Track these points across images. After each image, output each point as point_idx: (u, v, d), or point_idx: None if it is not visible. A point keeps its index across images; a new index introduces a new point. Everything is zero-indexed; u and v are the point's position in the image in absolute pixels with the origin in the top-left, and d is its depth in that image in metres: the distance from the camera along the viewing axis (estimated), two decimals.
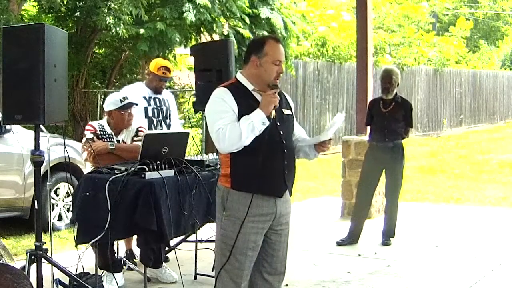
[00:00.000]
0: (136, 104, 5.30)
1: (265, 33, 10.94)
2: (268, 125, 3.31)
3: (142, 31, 10.01)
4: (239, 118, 3.33)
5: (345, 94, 16.97)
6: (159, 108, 5.71)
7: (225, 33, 10.96)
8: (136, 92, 5.60)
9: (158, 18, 10.65)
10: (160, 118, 5.69)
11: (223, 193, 3.46)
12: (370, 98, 8.06)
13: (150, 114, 5.62)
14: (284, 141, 3.44)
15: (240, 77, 3.51)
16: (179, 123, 6.17)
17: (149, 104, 5.65)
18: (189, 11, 10.01)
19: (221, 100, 3.39)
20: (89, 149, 4.97)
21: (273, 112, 3.36)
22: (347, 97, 16.94)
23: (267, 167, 3.38)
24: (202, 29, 11.32)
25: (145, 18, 9.89)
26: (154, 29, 10.05)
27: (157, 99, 5.71)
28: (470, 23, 28.69)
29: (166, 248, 4.88)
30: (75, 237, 4.49)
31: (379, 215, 7.97)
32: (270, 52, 3.42)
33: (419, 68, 20.43)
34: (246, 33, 10.74)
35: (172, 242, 4.82)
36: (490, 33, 36.08)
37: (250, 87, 3.46)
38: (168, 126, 5.75)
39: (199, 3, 10.09)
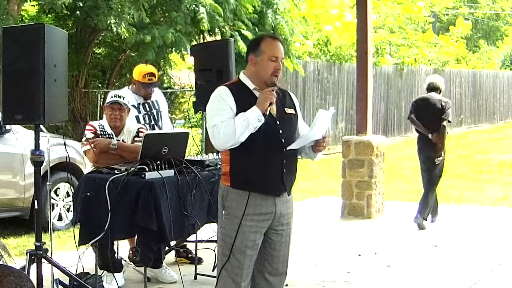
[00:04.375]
0: (127, 106, 5.23)
1: None
2: (263, 122, 3.31)
3: (148, 38, 9.86)
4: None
5: (345, 94, 16.97)
6: (149, 113, 5.65)
7: (229, 35, 10.95)
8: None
9: (162, 19, 10.58)
10: (152, 123, 5.64)
11: (223, 191, 3.48)
12: (370, 98, 8.08)
13: (142, 122, 5.56)
14: (283, 140, 3.44)
15: (242, 76, 3.54)
16: (169, 122, 6.09)
17: (139, 112, 5.59)
18: (205, 18, 9.89)
19: (220, 98, 3.42)
20: (91, 142, 4.96)
21: (274, 110, 3.36)
22: (347, 97, 16.94)
23: (264, 165, 3.39)
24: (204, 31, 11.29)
25: (146, 20, 9.82)
26: (161, 37, 9.89)
27: (146, 104, 5.65)
28: (469, 23, 28.63)
29: (166, 248, 4.88)
30: (78, 238, 4.48)
31: (379, 215, 7.99)
32: (265, 49, 3.44)
33: (419, 68, 20.43)
34: (250, 35, 10.73)
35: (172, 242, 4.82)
36: (490, 33, 36.08)
37: (251, 86, 3.48)
38: (161, 129, 5.70)
39: (212, 9, 10.01)
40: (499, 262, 5.91)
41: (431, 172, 7.41)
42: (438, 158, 7.32)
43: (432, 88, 7.55)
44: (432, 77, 7.84)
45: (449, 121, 7.39)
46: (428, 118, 7.34)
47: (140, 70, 5.61)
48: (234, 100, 3.39)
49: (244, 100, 3.39)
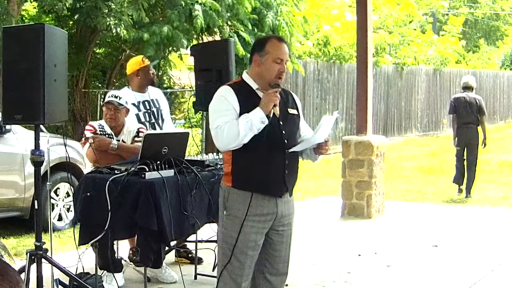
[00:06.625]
0: (123, 107, 5.23)
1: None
2: (267, 124, 3.31)
3: (146, 36, 9.87)
4: (240, 116, 3.33)
5: (345, 94, 16.96)
6: (149, 111, 5.64)
7: (227, 36, 10.94)
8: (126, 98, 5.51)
9: (161, 19, 10.57)
10: (153, 121, 5.63)
11: (224, 192, 3.47)
12: (370, 98, 8.08)
13: (142, 119, 5.55)
14: (286, 141, 3.43)
15: (245, 76, 3.53)
16: (171, 123, 6.09)
17: (139, 110, 5.58)
18: (199, 16, 9.89)
19: (223, 98, 3.40)
20: (91, 141, 4.96)
21: (277, 111, 3.35)
22: (347, 97, 16.93)
23: (266, 166, 3.39)
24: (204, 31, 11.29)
25: (145, 20, 9.82)
26: (159, 34, 9.90)
27: (146, 102, 5.64)
28: (461, 18, 28.52)
29: (166, 248, 4.88)
30: (78, 238, 4.48)
31: (379, 215, 7.99)
32: (271, 50, 3.43)
33: (419, 68, 20.42)
34: (247, 37, 10.73)
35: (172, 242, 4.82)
36: (490, 33, 36.07)
37: (254, 86, 3.47)
38: (161, 127, 5.70)
39: (209, 6, 10.00)
40: (499, 262, 5.91)
41: (472, 155, 9.23)
42: (484, 143, 9.17)
43: (467, 87, 9.33)
44: (466, 77, 9.77)
45: (484, 114, 9.28)
46: (466, 113, 9.14)
47: (132, 62, 5.72)
48: (238, 100, 3.37)
49: (247, 100, 3.38)
